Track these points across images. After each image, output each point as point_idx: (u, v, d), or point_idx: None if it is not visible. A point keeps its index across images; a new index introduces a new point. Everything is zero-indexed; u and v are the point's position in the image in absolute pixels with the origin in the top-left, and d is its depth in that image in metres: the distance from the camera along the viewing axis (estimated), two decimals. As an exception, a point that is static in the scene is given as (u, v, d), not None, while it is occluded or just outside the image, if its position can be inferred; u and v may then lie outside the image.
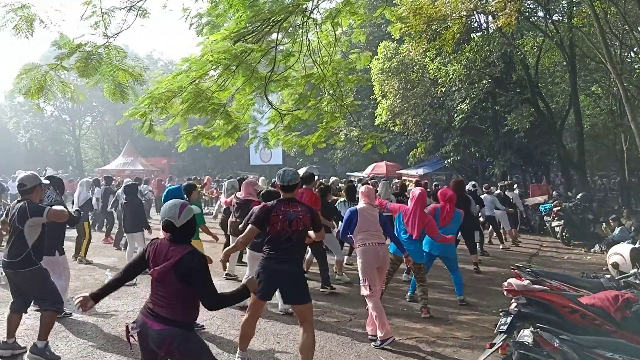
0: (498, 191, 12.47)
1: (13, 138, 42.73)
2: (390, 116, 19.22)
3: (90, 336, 5.10)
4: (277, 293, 6.04)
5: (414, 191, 6.06)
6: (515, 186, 14.44)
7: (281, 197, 4.13)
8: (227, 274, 7.76)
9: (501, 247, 11.58)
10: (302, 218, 3.98)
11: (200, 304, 2.89)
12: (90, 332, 5.23)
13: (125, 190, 8.72)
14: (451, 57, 17.05)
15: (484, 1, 13.96)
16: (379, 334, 4.89)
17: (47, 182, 5.31)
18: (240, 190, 7.53)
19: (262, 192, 5.74)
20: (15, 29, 4.81)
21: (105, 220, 12.04)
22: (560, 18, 16.50)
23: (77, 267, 8.51)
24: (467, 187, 10.72)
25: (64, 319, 5.56)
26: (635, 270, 4.59)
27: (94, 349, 4.73)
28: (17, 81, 5.12)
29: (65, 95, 5.74)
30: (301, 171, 27.80)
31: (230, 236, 7.78)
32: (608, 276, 4.83)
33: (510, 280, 4.23)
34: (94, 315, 5.79)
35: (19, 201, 4.49)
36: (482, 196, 11.08)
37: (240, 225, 5.03)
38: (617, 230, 10.50)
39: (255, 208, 4.23)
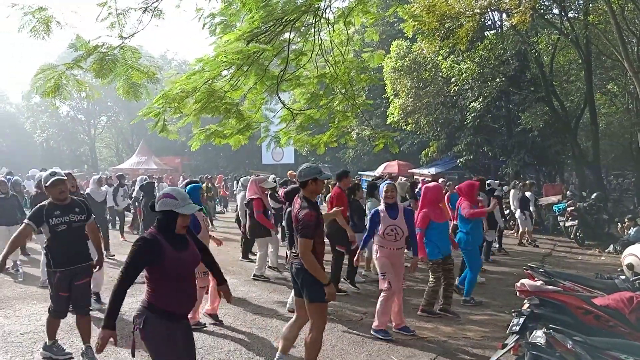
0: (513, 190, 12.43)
1: (30, 138, 43.50)
2: (402, 115, 19.14)
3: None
4: (291, 294, 6.10)
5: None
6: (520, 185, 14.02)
7: None
8: (255, 275, 7.73)
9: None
10: (294, 217, 3.91)
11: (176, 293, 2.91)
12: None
13: (142, 189, 8.87)
14: (464, 55, 16.92)
15: (498, -2, 13.84)
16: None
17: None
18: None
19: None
20: (33, 30, 4.89)
21: (117, 218, 12.13)
22: (576, 15, 16.27)
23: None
24: None
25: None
26: (650, 271, 4.53)
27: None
28: (35, 81, 5.22)
29: (81, 93, 5.84)
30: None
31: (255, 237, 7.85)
32: (623, 277, 4.77)
33: (523, 280, 4.21)
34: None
35: None
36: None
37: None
38: (632, 230, 10.34)
39: None
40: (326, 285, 3.78)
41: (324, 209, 6.98)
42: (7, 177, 10.47)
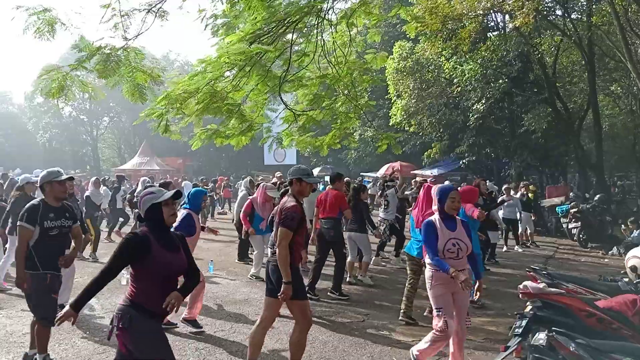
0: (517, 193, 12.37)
1: (32, 138, 43.70)
2: (405, 116, 19.15)
3: (106, 333, 5.16)
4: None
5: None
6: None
7: None
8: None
9: (519, 249, 11.50)
10: (279, 210, 3.98)
11: (151, 288, 2.86)
12: (107, 329, 5.28)
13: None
14: (467, 57, 16.92)
15: (501, 0, 13.83)
16: None
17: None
18: (252, 189, 7.79)
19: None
20: (37, 32, 4.91)
21: (112, 218, 11.99)
22: (579, 16, 16.27)
23: (90, 266, 8.54)
24: None
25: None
26: (654, 273, 4.52)
27: (109, 347, 4.80)
28: (39, 82, 5.25)
29: (85, 94, 5.89)
30: (315, 171, 27.60)
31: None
32: (626, 279, 4.76)
33: (525, 282, 4.20)
34: (110, 312, 5.88)
35: None
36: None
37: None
38: (635, 232, 10.31)
39: None
40: (286, 283, 3.75)
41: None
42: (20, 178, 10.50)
